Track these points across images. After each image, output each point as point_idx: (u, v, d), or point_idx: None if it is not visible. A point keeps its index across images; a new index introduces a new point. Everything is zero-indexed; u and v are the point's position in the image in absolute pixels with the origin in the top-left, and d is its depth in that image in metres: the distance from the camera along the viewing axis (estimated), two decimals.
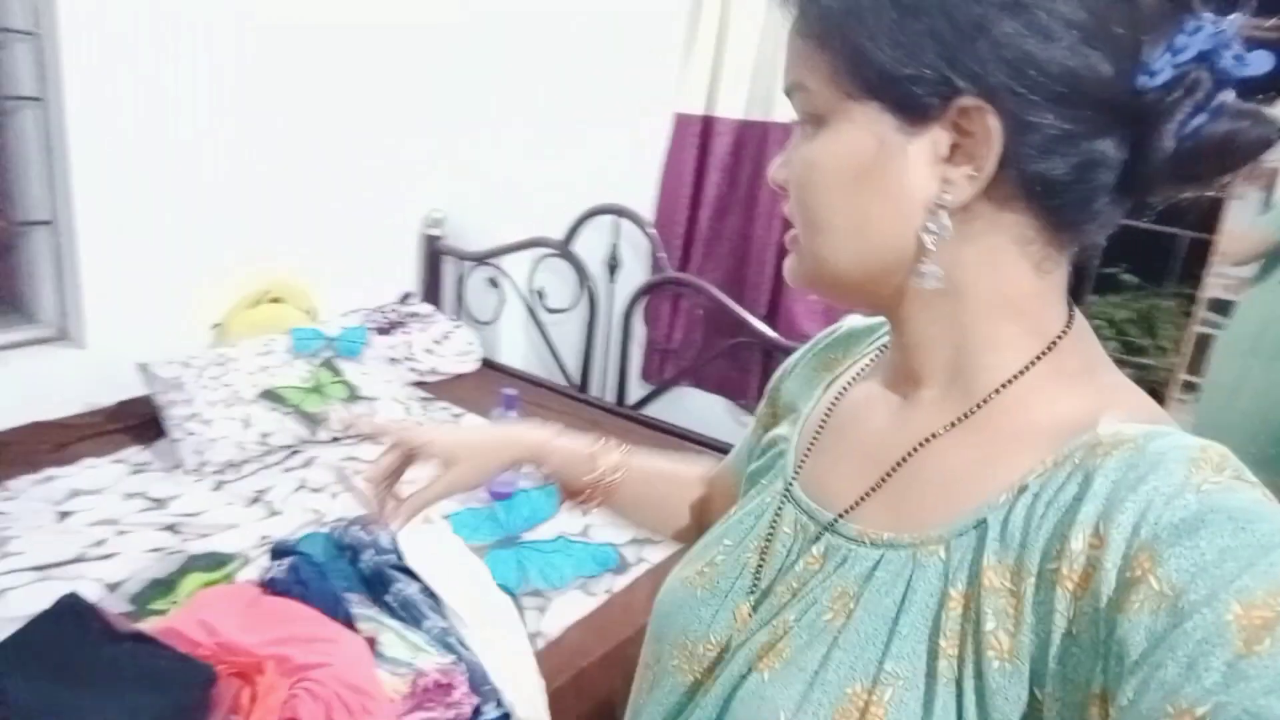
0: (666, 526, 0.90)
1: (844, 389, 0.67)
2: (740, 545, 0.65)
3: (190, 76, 2.35)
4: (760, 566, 0.62)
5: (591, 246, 2.93)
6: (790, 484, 0.65)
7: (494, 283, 3.06)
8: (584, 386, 3.00)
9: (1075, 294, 0.57)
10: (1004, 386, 0.54)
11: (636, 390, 3.04)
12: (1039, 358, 0.54)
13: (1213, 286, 2.77)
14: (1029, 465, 0.50)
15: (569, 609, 1.67)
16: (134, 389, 2.28)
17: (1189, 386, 2.17)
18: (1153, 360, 2.74)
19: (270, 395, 2.23)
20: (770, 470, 0.70)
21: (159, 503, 1.93)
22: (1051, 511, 0.48)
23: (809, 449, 0.66)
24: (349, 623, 1.42)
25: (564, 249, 2.92)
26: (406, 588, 1.50)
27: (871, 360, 0.68)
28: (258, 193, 2.58)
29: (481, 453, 0.82)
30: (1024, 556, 0.48)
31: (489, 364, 2.97)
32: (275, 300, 2.65)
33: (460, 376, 2.84)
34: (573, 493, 0.87)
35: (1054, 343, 0.55)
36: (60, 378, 2.30)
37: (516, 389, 2.20)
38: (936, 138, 0.50)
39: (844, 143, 0.52)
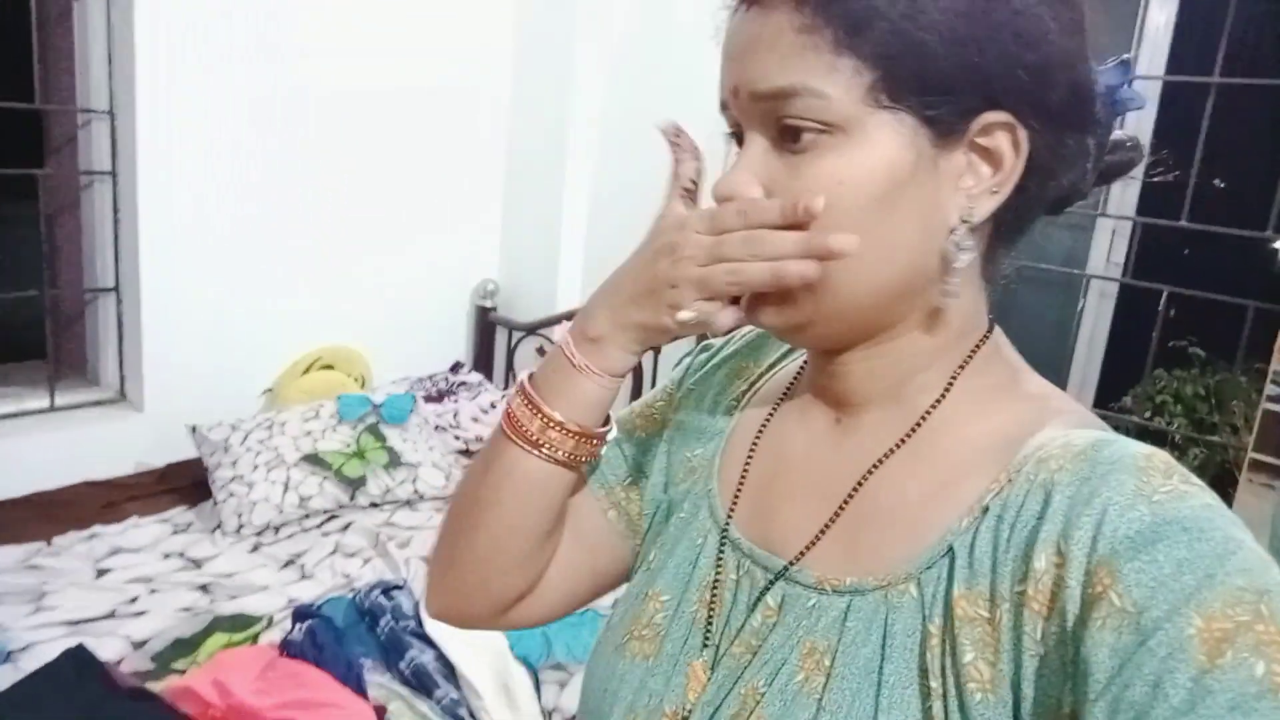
0: (540, 529, 0.61)
1: (767, 419, 0.61)
2: (681, 599, 0.58)
3: (251, 152, 2.46)
4: (710, 620, 0.56)
5: None
6: (727, 526, 0.58)
7: (543, 352, 3.08)
8: None
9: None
10: (939, 400, 0.53)
11: None
12: (962, 367, 0.53)
13: None
14: (983, 485, 0.49)
15: None
16: (186, 451, 2.34)
17: (1258, 466, 2.04)
18: (1222, 438, 2.59)
19: (312, 459, 2.26)
20: (688, 500, 0.62)
21: (195, 563, 1.95)
22: (1016, 533, 0.46)
23: (740, 484, 0.60)
24: (361, 689, 1.40)
25: None
26: (421, 655, 1.47)
27: (790, 384, 0.62)
28: (313, 262, 2.67)
29: None
30: (996, 583, 0.46)
31: None
32: (327, 367, 2.71)
33: None
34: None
35: (974, 350, 0.54)
36: (116, 439, 2.38)
37: None
38: (963, 152, 0.48)
39: (879, 156, 0.47)
